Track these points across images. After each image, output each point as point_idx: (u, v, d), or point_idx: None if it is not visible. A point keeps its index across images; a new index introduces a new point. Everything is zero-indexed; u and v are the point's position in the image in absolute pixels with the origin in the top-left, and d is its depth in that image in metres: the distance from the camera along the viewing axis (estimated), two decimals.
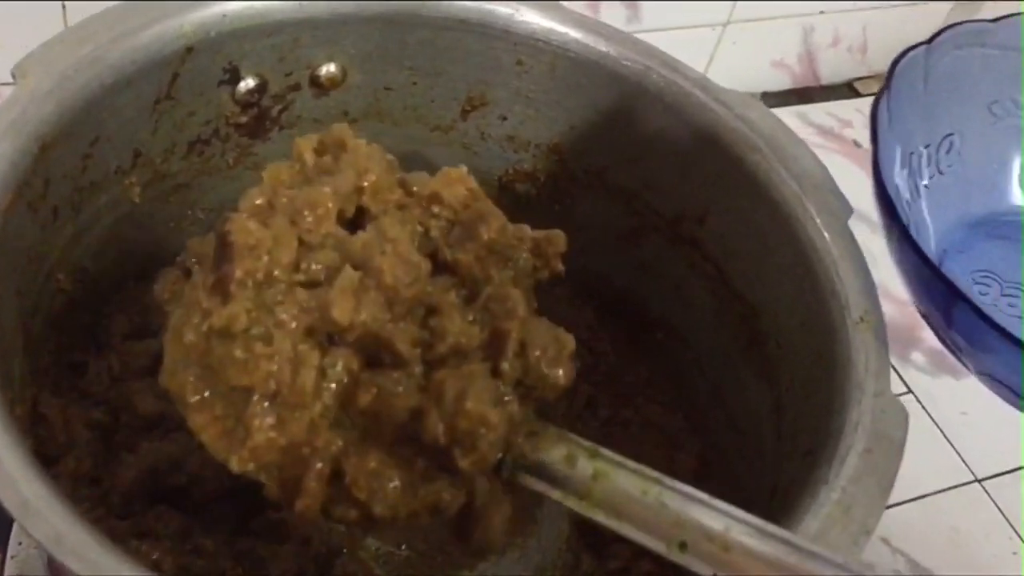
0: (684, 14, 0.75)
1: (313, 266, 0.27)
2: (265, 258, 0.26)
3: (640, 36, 0.78)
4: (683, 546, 0.26)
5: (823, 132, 0.78)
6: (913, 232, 0.38)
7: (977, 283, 0.41)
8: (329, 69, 0.43)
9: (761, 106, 0.41)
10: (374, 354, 0.26)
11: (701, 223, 0.43)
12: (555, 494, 0.28)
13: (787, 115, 0.82)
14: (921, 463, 0.61)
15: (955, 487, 0.62)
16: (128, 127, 0.39)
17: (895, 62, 0.38)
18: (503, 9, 0.42)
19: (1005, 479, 0.63)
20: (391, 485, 0.25)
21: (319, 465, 0.25)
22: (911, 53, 0.39)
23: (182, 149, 0.42)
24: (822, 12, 0.78)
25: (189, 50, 0.39)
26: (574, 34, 0.42)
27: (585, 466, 0.28)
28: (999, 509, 0.62)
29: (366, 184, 0.29)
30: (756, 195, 0.40)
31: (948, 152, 0.42)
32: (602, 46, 0.42)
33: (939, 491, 0.62)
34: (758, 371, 0.40)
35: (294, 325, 0.25)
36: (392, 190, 0.29)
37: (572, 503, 0.28)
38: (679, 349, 0.46)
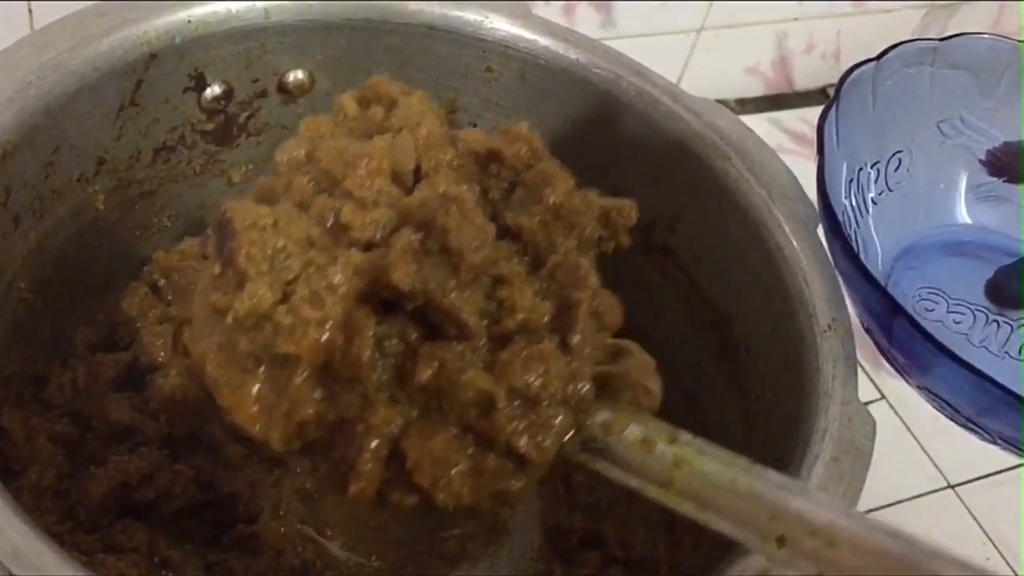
0: (658, 20, 0.75)
1: (367, 223, 0.24)
2: (270, 229, 0.23)
3: (614, 42, 0.78)
4: (781, 541, 0.23)
5: (797, 138, 0.78)
6: (860, 247, 0.38)
7: (924, 299, 0.41)
8: (297, 76, 0.42)
9: (730, 114, 0.41)
10: (436, 325, 0.23)
11: (671, 231, 0.43)
12: (632, 481, 0.26)
13: (761, 121, 0.82)
14: (894, 469, 0.61)
15: (928, 493, 0.62)
16: (91, 134, 0.39)
17: (843, 78, 0.38)
18: (472, 16, 0.42)
19: (978, 485, 0.63)
20: (455, 471, 0.23)
21: (375, 443, 0.23)
22: (859, 70, 0.39)
23: (147, 156, 0.41)
24: (796, 19, 0.79)
25: (153, 56, 0.39)
26: (543, 41, 0.42)
27: (664, 452, 0.25)
28: (972, 515, 0.62)
29: (419, 139, 0.26)
30: (725, 203, 0.39)
31: (897, 169, 0.42)
32: (572, 53, 0.42)
33: (912, 497, 0.62)
34: (729, 379, 0.40)
35: (346, 289, 0.23)
36: (445, 148, 0.26)
37: (653, 492, 0.26)
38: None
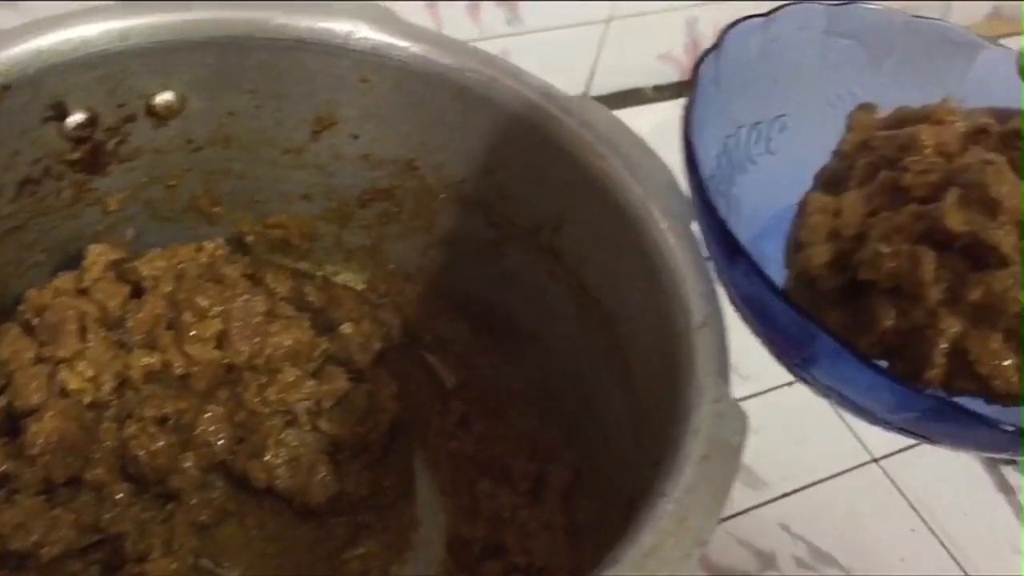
0: (565, 13, 0.75)
1: (922, 183, 0.30)
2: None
3: (523, 38, 0.77)
4: None
5: None
6: (733, 206, 0.37)
7: None
8: (165, 98, 0.41)
9: (606, 111, 0.41)
10: (979, 258, 0.29)
11: (557, 232, 0.43)
12: None
13: (678, 107, 0.82)
14: (818, 447, 0.61)
15: (853, 468, 0.63)
16: None
17: (727, 28, 0.37)
18: (341, 27, 0.41)
19: (901, 457, 0.64)
20: (1007, 364, 0.29)
21: (943, 342, 0.29)
22: (746, 23, 0.38)
23: (10, 191, 0.40)
24: (705, 1, 0.79)
25: (6, 88, 0.37)
26: (415, 48, 0.41)
27: None
28: (896, 487, 0.63)
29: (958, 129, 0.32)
30: (605, 202, 0.39)
31: (781, 132, 0.41)
32: (444, 59, 0.41)
33: (837, 474, 0.63)
34: (619, 379, 0.40)
35: (909, 230, 0.30)
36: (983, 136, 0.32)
37: None
38: (549, 360, 0.46)
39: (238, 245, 0.48)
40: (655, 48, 0.81)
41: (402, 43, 0.42)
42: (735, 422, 0.31)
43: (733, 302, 0.35)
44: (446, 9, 0.70)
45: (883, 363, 0.32)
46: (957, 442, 0.34)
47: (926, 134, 0.32)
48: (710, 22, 0.80)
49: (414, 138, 0.44)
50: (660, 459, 0.32)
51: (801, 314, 0.30)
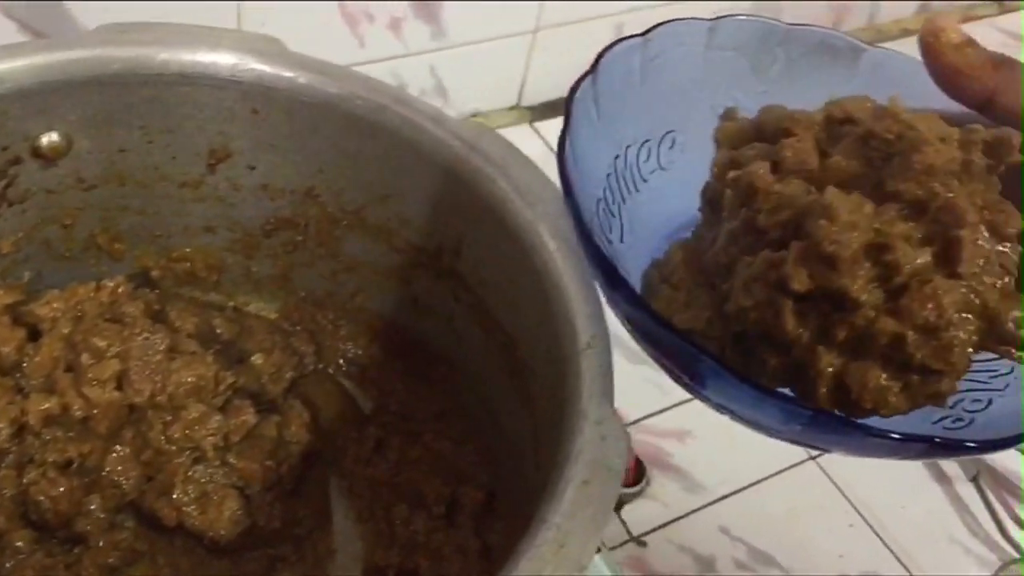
0: (491, 26, 0.75)
1: (774, 224, 0.30)
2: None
3: (449, 52, 0.77)
4: None
5: None
6: (627, 225, 0.37)
7: None
8: (51, 139, 0.41)
9: (496, 136, 0.40)
10: (837, 299, 0.29)
11: (457, 256, 0.42)
12: None
13: None
14: (756, 447, 0.61)
15: (790, 467, 0.63)
16: None
17: (603, 52, 0.37)
18: (226, 60, 0.41)
19: (835, 454, 0.64)
20: (891, 394, 0.29)
21: (824, 381, 0.30)
22: (623, 44, 0.38)
23: None
24: (631, 11, 0.79)
25: None
26: (303, 79, 0.41)
27: None
28: (834, 483, 0.63)
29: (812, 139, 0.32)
30: (497, 224, 0.39)
31: (671, 148, 0.41)
32: (331, 87, 0.41)
33: (775, 473, 0.63)
34: (522, 400, 0.40)
35: (764, 280, 0.30)
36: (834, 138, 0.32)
37: None
38: (461, 382, 0.46)
39: (145, 280, 0.47)
40: (585, 55, 0.81)
41: (288, 73, 0.41)
42: (616, 443, 0.31)
43: (623, 323, 0.35)
44: (367, 27, 0.70)
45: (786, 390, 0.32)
46: (851, 450, 0.34)
47: (760, 180, 0.32)
48: (637, 28, 0.80)
49: (311, 167, 0.44)
50: (548, 482, 0.32)
51: (682, 338, 0.30)
